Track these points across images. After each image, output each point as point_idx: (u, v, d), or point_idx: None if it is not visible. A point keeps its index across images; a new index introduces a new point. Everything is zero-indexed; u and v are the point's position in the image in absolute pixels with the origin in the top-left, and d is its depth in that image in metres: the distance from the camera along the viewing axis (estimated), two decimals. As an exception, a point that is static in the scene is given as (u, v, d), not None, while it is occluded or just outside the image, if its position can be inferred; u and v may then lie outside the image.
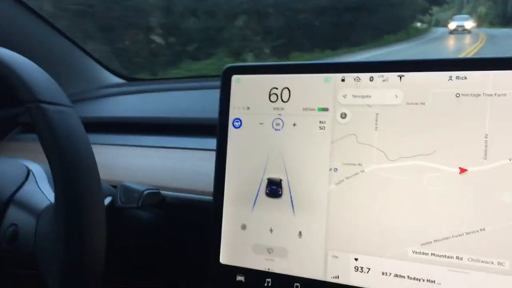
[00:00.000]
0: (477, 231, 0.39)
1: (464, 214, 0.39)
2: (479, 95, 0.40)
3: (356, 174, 0.43)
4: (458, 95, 0.40)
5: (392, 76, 0.42)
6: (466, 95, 0.40)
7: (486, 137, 0.39)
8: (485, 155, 0.39)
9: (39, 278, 0.44)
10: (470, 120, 0.40)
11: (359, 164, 0.43)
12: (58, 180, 0.40)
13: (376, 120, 0.43)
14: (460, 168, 0.39)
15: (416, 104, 0.42)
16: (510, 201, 0.38)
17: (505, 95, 0.39)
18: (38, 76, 0.42)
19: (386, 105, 0.42)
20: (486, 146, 0.39)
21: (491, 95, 0.39)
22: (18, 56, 0.43)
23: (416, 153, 0.41)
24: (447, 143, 0.40)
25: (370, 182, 0.43)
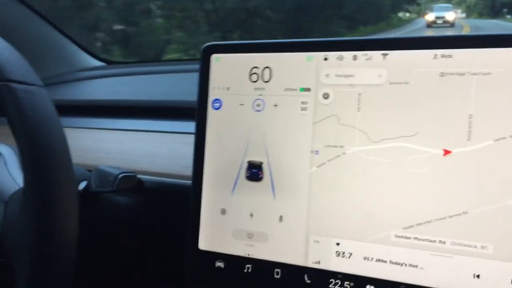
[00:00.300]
0: (460, 214, 0.38)
1: (447, 197, 0.38)
2: (463, 74, 0.38)
3: (337, 156, 0.42)
4: (442, 74, 0.39)
5: (376, 54, 0.41)
6: (450, 74, 0.39)
7: (470, 118, 0.38)
8: (469, 136, 0.38)
9: (8, 266, 0.42)
10: (454, 100, 0.38)
11: (341, 146, 0.42)
12: (27, 163, 0.38)
13: (359, 100, 0.41)
14: (444, 149, 0.38)
15: (400, 83, 0.40)
16: (493, 183, 0.37)
17: (490, 73, 0.38)
18: (6, 53, 0.40)
19: (369, 84, 0.41)
20: (470, 127, 0.38)
21: (476, 73, 0.38)
22: None
23: (399, 135, 0.40)
24: (430, 124, 0.39)
25: (352, 165, 0.41)
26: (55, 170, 0.37)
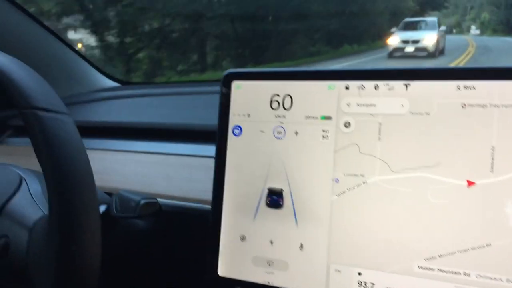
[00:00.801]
0: (484, 246, 0.37)
1: (470, 229, 0.38)
2: (485, 105, 0.38)
3: (358, 185, 0.42)
4: (464, 105, 0.39)
5: (398, 84, 0.41)
6: (472, 105, 0.39)
7: (492, 149, 0.38)
8: (492, 167, 0.38)
9: None
10: (476, 132, 0.38)
11: (362, 175, 0.42)
12: (52, 191, 0.38)
13: (380, 130, 0.41)
14: (468, 181, 0.38)
15: (421, 114, 0.40)
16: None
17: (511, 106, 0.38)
18: (33, 81, 0.41)
19: (389, 114, 0.41)
20: (492, 159, 0.38)
21: (498, 106, 0.38)
22: (13, 59, 0.41)
23: (420, 165, 0.40)
24: (452, 155, 0.39)
25: (372, 194, 0.41)
26: (80, 199, 0.38)
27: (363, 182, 0.42)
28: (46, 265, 0.40)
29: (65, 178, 0.37)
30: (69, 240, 0.37)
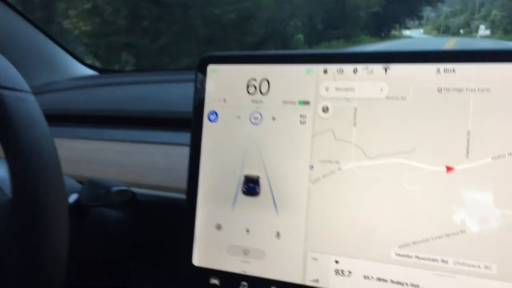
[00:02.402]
0: (458, 233, 0.37)
1: (444, 215, 0.37)
2: (462, 90, 0.37)
3: (333, 172, 0.41)
4: (440, 89, 0.38)
5: (377, 68, 0.40)
6: (448, 89, 0.38)
7: (468, 135, 0.37)
8: (467, 153, 0.37)
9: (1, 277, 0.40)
10: (452, 117, 0.38)
11: (336, 162, 0.41)
12: (15, 172, 0.36)
13: (355, 115, 0.40)
14: (446, 166, 0.37)
15: (397, 98, 0.39)
16: (491, 202, 0.36)
17: (489, 90, 0.37)
18: None
19: (365, 99, 0.40)
20: (468, 144, 0.37)
21: (474, 90, 0.37)
22: None
23: (396, 151, 0.39)
24: (427, 141, 0.38)
25: (348, 181, 0.40)
26: (44, 180, 0.36)
27: (338, 169, 0.41)
28: (9, 253, 0.38)
29: (27, 158, 0.35)
30: (32, 225, 0.35)
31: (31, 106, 0.37)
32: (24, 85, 0.38)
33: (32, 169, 0.35)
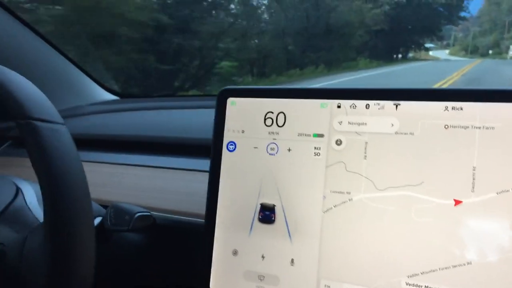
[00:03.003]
0: (464, 264, 0.38)
1: (451, 247, 0.39)
2: (467, 127, 0.40)
3: (344, 202, 0.43)
4: (447, 126, 0.40)
5: (388, 104, 0.42)
6: (454, 126, 0.40)
7: (474, 170, 0.39)
8: (473, 187, 0.39)
9: None
10: (458, 152, 0.40)
11: (347, 193, 0.43)
12: (48, 200, 0.39)
13: (366, 148, 0.43)
14: (455, 200, 0.39)
15: (406, 134, 0.41)
16: (496, 235, 0.38)
17: (493, 128, 0.39)
18: (29, 91, 0.41)
19: (375, 133, 0.42)
20: (474, 179, 0.39)
21: (480, 127, 0.39)
22: (8, 70, 0.42)
23: (404, 184, 0.41)
24: (434, 175, 0.40)
25: (358, 211, 0.42)
26: (75, 208, 0.38)
27: (349, 199, 0.43)
28: (40, 274, 0.40)
29: (60, 188, 0.38)
30: (62, 250, 0.38)
31: (63, 137, 0.40)
32: (58, 117, 0.41)
33: (64, 196, 0.38)
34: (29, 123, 0.39)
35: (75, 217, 0.38)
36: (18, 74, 0.43)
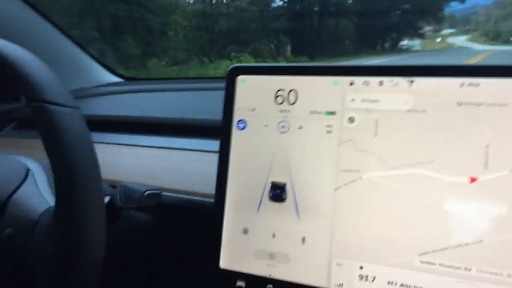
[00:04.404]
0: (476, 242, 0.38)
1: (462, 225, 0.38)
2: (481, 104, 0.39)
3: (353, 181, 0.42)
4: (459, 103, 0.39)
5: (402, 81, 0.42)
6: (467, 104, 0.39)
7: (487, 147, 0.38)
8: (486, 165, 0.38)
9: (33, 285, 0.42)
10: (471, 130, 0.39)
11: (357, 171, 0.42)
12: (60, 185, 0.38)
13: (376, 126, 0.42)
14: (470, 177, 0.39)
15: (417, 111, 0.41)
16: (509, 213, 0.37)
17: (507, 105, 0.38)
18: (44, 74, 0.41)
19: (386, 111, 0.42)
20: (487, 156, 0.38)
21: (493, 104, 0.38)
22: (25, 52, 0.42)
23: (415, 161, 0.40)
24: (446, 152, 0.39)
25: (369, 189, 0.42)
26: (87, 193, 0.38)
27: (359, 178, 0.42)
28: (49, 258, 0.40)
29: (73, 172, 0.37)
30: (74, 233, 0.38)
31: (77, 121, 0.39)
32: (72, 101, 0.40)
33: (77, 183, 0.38)
34: (42, 106, 0.38)
35: (88, 204, 0.38)
36: (33, 55, 0.42)
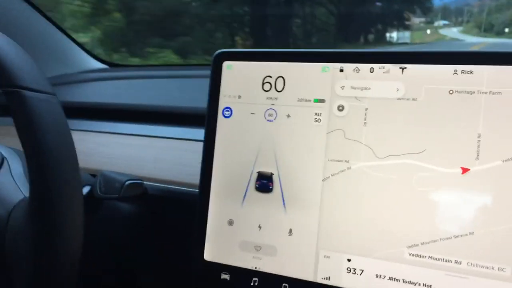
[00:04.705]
0: (466, 234, 0.37)
1: (453, 217, 0.37)
2: (473, 92, 0.38)
3: (342, 171, 0.41)
4: (451, 91, 0.38)
5: (394, 68, 0.40)
6: (459, 92, 0.38)
7: (479, 137, 0.37)
8: (477, 155, 0.37)
9: (7, 279, 0.40)
10: (463, 119, 0.38)
11: (346, 161, 0.41)
12: (34, 174, 0.37)
13: (365, 115, 0.41)
14: (462, 168, 0.37)
15: (408, 99, 0.39)
16: (501, 204, 0.36)
17: (500, 93, 0.37)
18: (19, 59, 0.38)
19: (376, 99, 0.40)
20: (478, 147, 0.37)
21: (486, 92, 0.37)
22: (1, 35, 0.39)
23: (406, 151, 0.39)
24: (437, 142, 0.38)
25: (357, 180, 0.40)
26: (64, 183, 0.36)
27: (347, 168, 0.41)
28: (24, 249, 0.38)
29: (48, 163, 0.36)
30: (48, 228, 0.36)
31: (54, 108, 0.37)
32: (49, 87, 0.38)
33: (52, 171, 0.36)
34: (17, 92, 0.36)
35: (63, 193, 0.36)
36: (8, 39, 0.40)
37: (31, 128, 0.36)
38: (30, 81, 0.37)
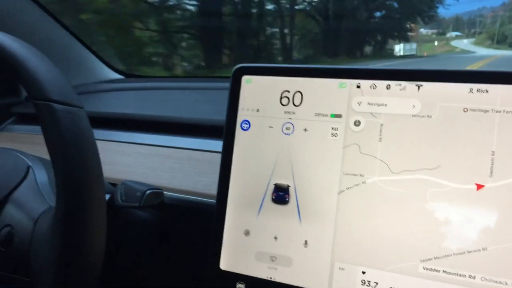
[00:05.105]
0: (479, 250, 0.38)
1: (466, 232, 0.38)
2: (487, 111, 0.38)
3: (357, 185, 0.42)
4: (466, 109, 0.39)
5: (410, 85, 0.41)
6: (474, 110, 0.39)
7: (492, 155, 0.38)
8: (491, 173, 0.38)
9: (31, 286, 0.42)
10: (477, 136, 0.39)
11: (361, 175, 0.42)
12: (62, 185, 0.38)
13: (381, 130, 0.42)
14: (476, 184, 0.38)
15: (423, 116, 0.40)
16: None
17: (514, 111, 0.38)
18: (50, 72, 0.40)
19: (392, 115, 0.41)
20: (492, 164, 0.38)
21: (500, 111, 0.38)
22: (31, 48, 0.41)
23: (420, 167, 0.40)
24: (451, 159, 0.39)
25: (372, 194, 0.41)
26: (90, 194, 0.38)
27: (362, 182, 0.42)
28: (48, 258, 0.39)
29: (75, 173, 0.37)
30: (73, 238, 0.37)
31: (81, 121, 0.39)
32: (77, 100, 0.40)
33: (79, 183, 0.37)
34: (47, 105, 0.38)
35: (89, 205, 0.38)
36: (39, 52, 0.41)
37: (60, 140, 0.37)
38: (60, 95, 0.39)
